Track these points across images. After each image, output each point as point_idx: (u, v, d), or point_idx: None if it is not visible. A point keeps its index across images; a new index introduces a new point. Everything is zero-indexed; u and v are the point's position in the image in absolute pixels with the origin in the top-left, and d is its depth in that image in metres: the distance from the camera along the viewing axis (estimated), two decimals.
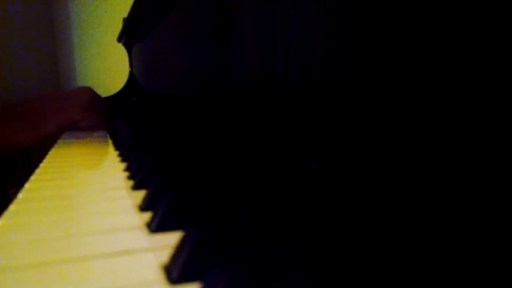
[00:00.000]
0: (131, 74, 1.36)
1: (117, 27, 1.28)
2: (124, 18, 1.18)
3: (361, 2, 0.26)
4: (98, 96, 0.91)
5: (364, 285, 0.17)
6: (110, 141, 0.76)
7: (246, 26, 0.44)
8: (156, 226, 0.27)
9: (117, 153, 0.61)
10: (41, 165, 0.53)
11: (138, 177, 0.40)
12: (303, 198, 0.29)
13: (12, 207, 0.33)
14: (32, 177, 0.45)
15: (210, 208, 0.28)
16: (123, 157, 0.55)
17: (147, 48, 1.11)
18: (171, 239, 0.25)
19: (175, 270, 0.20)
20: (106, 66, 1.89)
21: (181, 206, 0.27)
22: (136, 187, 0.39)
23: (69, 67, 1.92)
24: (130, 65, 1.36)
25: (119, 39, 1.35)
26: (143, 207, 0.32)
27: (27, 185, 0.41)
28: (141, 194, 0.35)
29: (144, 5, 0.85)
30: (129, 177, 0.43)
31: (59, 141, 0.80)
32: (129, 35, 1.23)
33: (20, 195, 0.37)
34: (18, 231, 0.28)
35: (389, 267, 0.18)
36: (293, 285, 0.17)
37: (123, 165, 0.50)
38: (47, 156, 0.61)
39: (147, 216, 0.30)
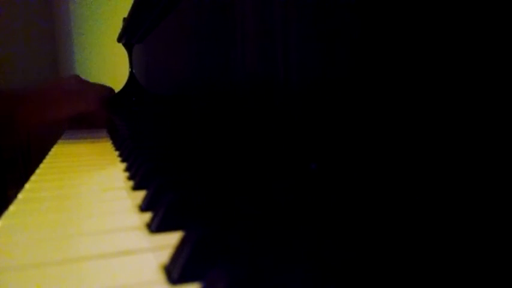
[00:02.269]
0: (131, 74, 1.35)
1: (117, 27, 1.28)
2: (124, 18, 1.17)
3: (361, 2, 0.26)
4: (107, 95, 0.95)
5: (364, 286, 0.17)
6: (110, 141, 0.76)
7: (246, 27, 0.44)
8: (156, 226, 0.27)
9: (117, 153, 0.61)
10: (41, 165, 0.53)
11: (138, 177, 0.40)
12: (303, 198, 0.29)
13: (12, 208, 0.33)
14: (32, 177, 0.45)
15: (210, 208, 0.28)
16: (123, 157, 0.55)
17: (148, 48, 1.11)
18: (171, 239, 0.25)
19: (175, 270, 0.20)
20: (106, 66, 1.89)
21: (181, 207, 0.27)
22: (136, 187, 0.39)
23: (69, 67, 1.92)
24: (131, 65, 1.36)
25: (119, 40, 1.35)
26: (143, 208, 0.32)
27: (27, 185, 0.41)
28: (141, 194, 0.35)
29: (144, 5, 0.85)
30: (129, 178, 0.43)
31: (59, 141, 0.81)
32: (129, 36, 1.23)
33: (20, 196, 0.37)
34: (18, 232, 0.28)
35: (389, 267, 0.18)
36: (293, 286, 0.17)
37: (123, 166, 0.50)
38: (47, 156, 0.61)
39: (147, 216, 0.30)
